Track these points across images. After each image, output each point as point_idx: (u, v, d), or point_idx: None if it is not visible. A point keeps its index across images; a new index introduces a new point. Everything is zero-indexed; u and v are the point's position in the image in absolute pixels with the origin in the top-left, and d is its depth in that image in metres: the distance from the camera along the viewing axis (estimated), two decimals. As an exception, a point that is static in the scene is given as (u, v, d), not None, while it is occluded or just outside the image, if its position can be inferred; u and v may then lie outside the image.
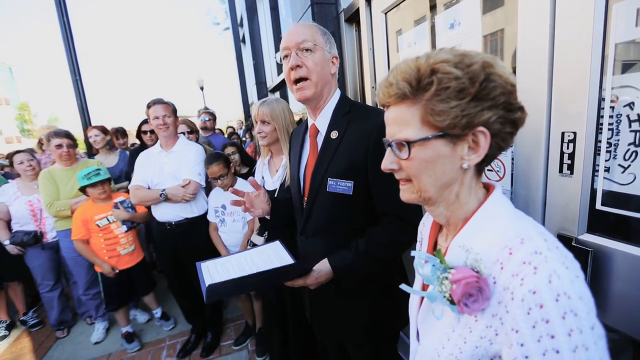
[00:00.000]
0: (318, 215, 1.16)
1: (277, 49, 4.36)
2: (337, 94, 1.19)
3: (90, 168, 2.42)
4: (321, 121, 1.18)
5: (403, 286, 0.65)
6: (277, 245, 1.17)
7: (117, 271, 2.49)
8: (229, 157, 2.39)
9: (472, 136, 0.55)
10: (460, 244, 0.58)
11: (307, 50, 1.07)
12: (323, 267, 1.08)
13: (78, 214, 2.42)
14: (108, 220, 2.46)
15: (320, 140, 1.18)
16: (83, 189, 2.39)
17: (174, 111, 2.26)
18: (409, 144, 0.56)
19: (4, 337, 3.04)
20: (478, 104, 0.53)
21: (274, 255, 1.13)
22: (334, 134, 1.13)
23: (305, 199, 1.19)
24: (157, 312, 2.92)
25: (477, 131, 0.54)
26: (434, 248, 0.72)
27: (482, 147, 0.55)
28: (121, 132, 3.68)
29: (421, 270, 0.61)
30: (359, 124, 1.10)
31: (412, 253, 0.65)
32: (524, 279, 0.47)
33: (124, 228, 2.50)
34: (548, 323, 0.44)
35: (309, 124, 1.23)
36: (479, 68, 0.52)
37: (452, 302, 0.55)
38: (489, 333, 0.52)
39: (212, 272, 1.04)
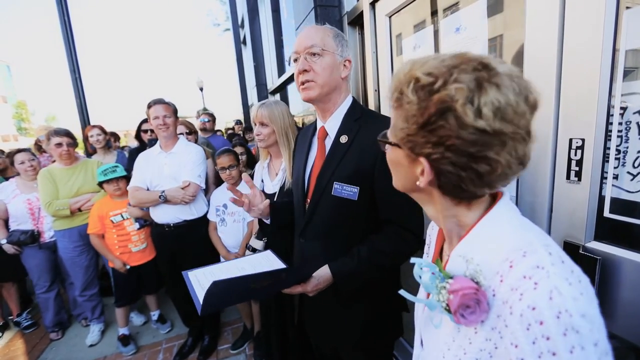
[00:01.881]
0: (320, 218, 1.15)
1: (278, 52, 4.36)
2: (348, 99, 1.18)
3: (108, 165, 2.49)
4: (331, 124, 1.17)
5: (402, 292, 0.64)
6: (268, 254, 1.15)
7: (129, 267, 2.52)
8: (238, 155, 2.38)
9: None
10: (460, 254, 0.56)
11: (315, 54, 1.07)
12: (323, 273, 1.07)
13: (95, 208, 2.48)
14: (122, 217, 2.50)
15: (328, 143, 1.17)
16: (100, 185, 2.48)
17: (175, 112, 2.24)
18: (385, 139, 0.60)
19: (-3, 338, 2.99)
20: (426, 135, 0.50)
21: (266, 264, 1.11)
22: (344, 139, 1.12)
23: (308, 200, 1.18)
24: (155, 315, 2.88)
25: (420, 160, 0.53)
26: (440, 253, 0.71)
27: (426, 176, 0.53)
28: (112, 134, 3.69)
29: (421, 278, 0.61)
30: (369, 131, 1.09)
31: (412, 260, 0.64)
32: (523, 294, 0.45)
33: (137, 225, 2.53)
34: (549, 340, 0.42)
35: (318, 126, 1.23)
36: (438, 99, 0.47)
37: (450, 311, 0.54)
38: (489, 346, 0.51)
39: (202, 281, 1.00)
